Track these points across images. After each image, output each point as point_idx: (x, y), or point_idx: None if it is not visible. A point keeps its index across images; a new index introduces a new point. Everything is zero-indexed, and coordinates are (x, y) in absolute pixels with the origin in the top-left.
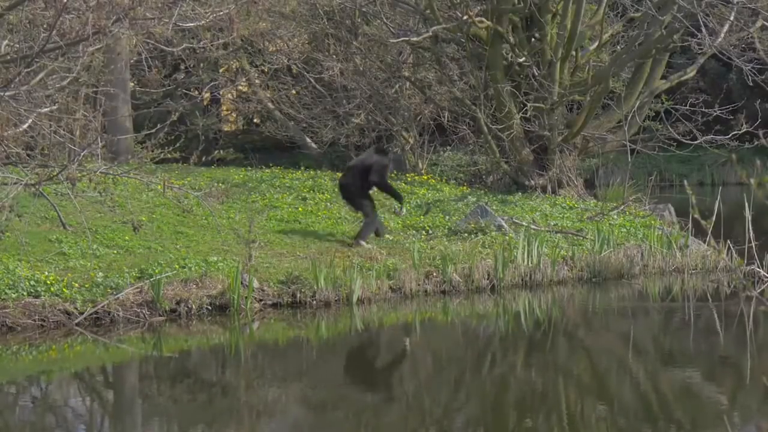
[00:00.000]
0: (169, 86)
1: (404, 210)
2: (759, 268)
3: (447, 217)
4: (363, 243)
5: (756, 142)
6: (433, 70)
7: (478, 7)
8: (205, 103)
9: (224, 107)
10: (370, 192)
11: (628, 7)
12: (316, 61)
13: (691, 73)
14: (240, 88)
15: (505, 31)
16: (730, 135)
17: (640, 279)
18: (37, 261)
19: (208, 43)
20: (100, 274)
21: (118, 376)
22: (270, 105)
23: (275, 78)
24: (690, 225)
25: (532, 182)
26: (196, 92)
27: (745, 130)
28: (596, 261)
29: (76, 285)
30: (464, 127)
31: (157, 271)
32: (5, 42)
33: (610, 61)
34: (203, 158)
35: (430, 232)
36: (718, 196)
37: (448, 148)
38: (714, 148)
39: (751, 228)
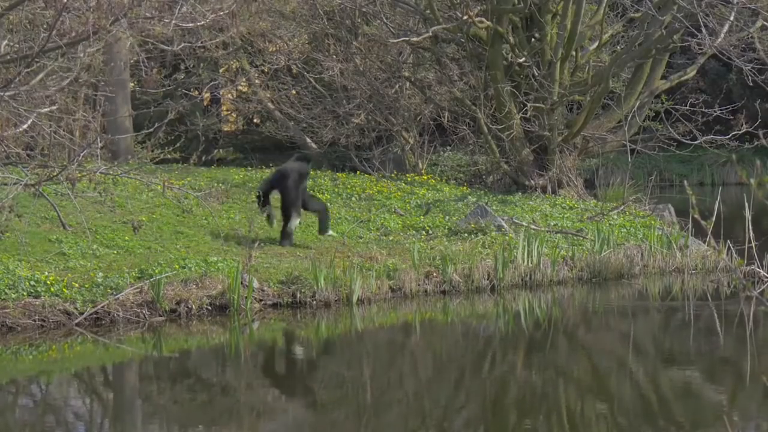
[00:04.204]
0: (169, 86)
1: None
2: (759, 268)
3: (447, 217)
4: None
5: (756, 142)
6: (433, 70)
7: (478, 7)
8: (205, 103)
9: (224, 107)
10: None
11: (628, 7)
12: (316, 61)
13: (691, 73)
14: (240, 88)
15: (505, 31)
16: (730, 135)
17: (640, 279)
18: (37, 261)
19: (207, 40)
20: (100, 274)
21: (118, 376)
22: (270, 105)
23: (275, 78)
24: (690, 225)
25: (532, 182)
26: (196, 92)
27: (745, 130)
28: (596, 261)
29: (76, 285)
30: (464, 127)
31: (157, 271)
32: (5, 42)
33: (610, 61)
34: (203, 158)
35: (430, 232)
36: (718, 197)
37: (448, 148)
38: (714, 148)
39: (750, 228)
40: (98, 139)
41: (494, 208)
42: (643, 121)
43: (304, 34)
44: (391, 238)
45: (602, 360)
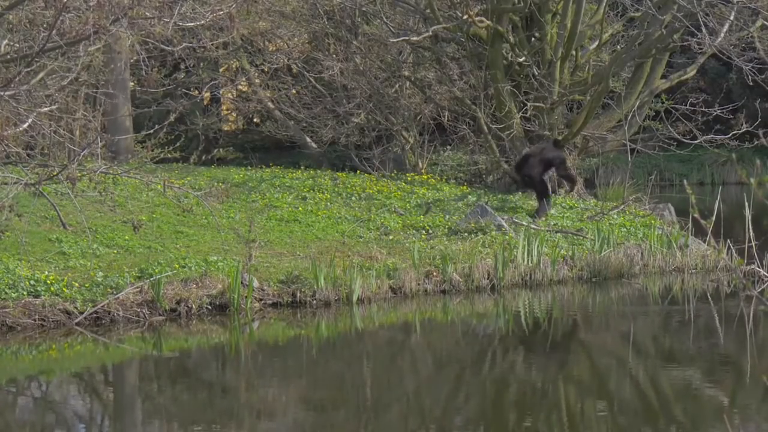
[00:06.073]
0: (169, 86)
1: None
2: (759, 267)
3: (447, 217)
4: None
5: (756, 142)
6: (433, 69)
7: (478, 7)
8: (205, 102)
9: (224, 107)
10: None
11: (628, 7)
12: (316, 61)
13: (691, 72)
14: (240, 87)
15: (505, 31)
16: (730, 134)
17: (640, 279)
18: (37, 261)
19: (208, 41)
20: (100, 273)
21: (118, 375)
22: (270, 104)
23: (275, 77)
24: (690, 224)
25: None
26: (196, 92)
27: (745, 129)
28: (596, 260)
29: (76, 284)
30: (464, 126)
31: (157, 270)
32: (5, 42)
33: (610, 60)
34: (203, 158)
35: (430, 231)
36: (718, 196)
37: (448, 147)
38: (714, 147)
39: (750, 227)
40: (98, 139)
41: (494, 207)
42: (643, 120)
43: (304, 34)
44: (391, 237)
45: (602, 360)
